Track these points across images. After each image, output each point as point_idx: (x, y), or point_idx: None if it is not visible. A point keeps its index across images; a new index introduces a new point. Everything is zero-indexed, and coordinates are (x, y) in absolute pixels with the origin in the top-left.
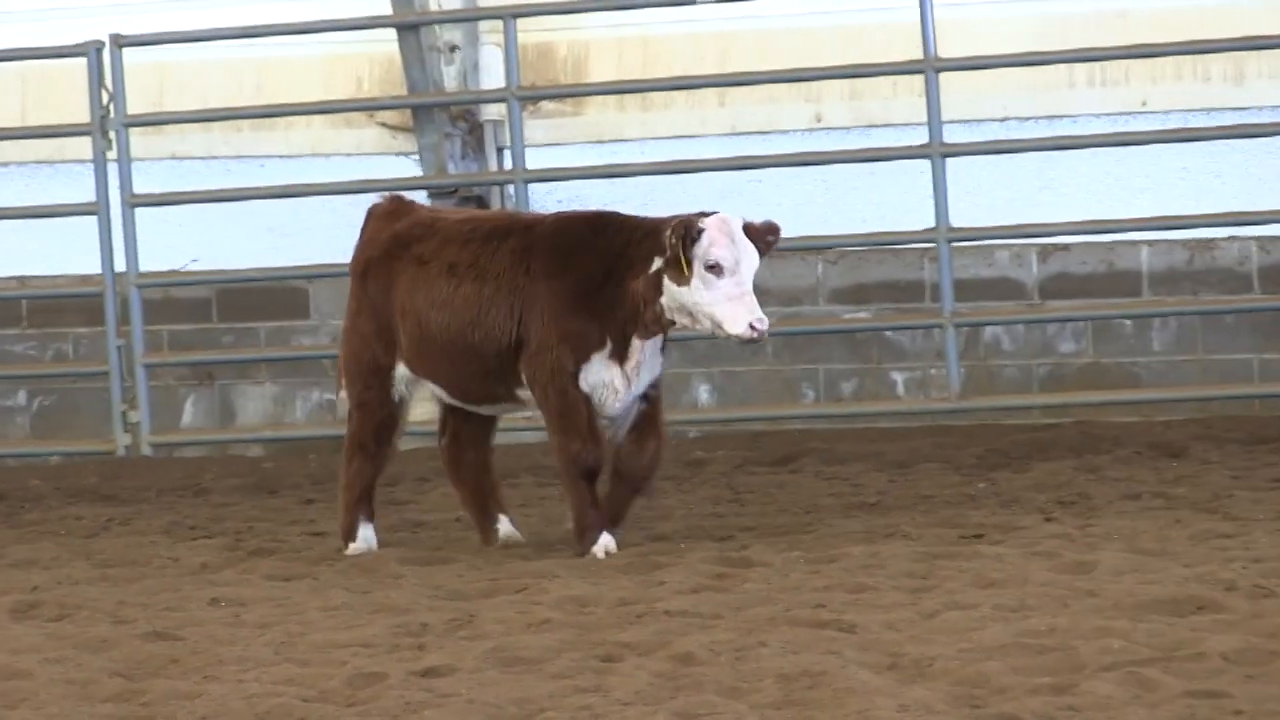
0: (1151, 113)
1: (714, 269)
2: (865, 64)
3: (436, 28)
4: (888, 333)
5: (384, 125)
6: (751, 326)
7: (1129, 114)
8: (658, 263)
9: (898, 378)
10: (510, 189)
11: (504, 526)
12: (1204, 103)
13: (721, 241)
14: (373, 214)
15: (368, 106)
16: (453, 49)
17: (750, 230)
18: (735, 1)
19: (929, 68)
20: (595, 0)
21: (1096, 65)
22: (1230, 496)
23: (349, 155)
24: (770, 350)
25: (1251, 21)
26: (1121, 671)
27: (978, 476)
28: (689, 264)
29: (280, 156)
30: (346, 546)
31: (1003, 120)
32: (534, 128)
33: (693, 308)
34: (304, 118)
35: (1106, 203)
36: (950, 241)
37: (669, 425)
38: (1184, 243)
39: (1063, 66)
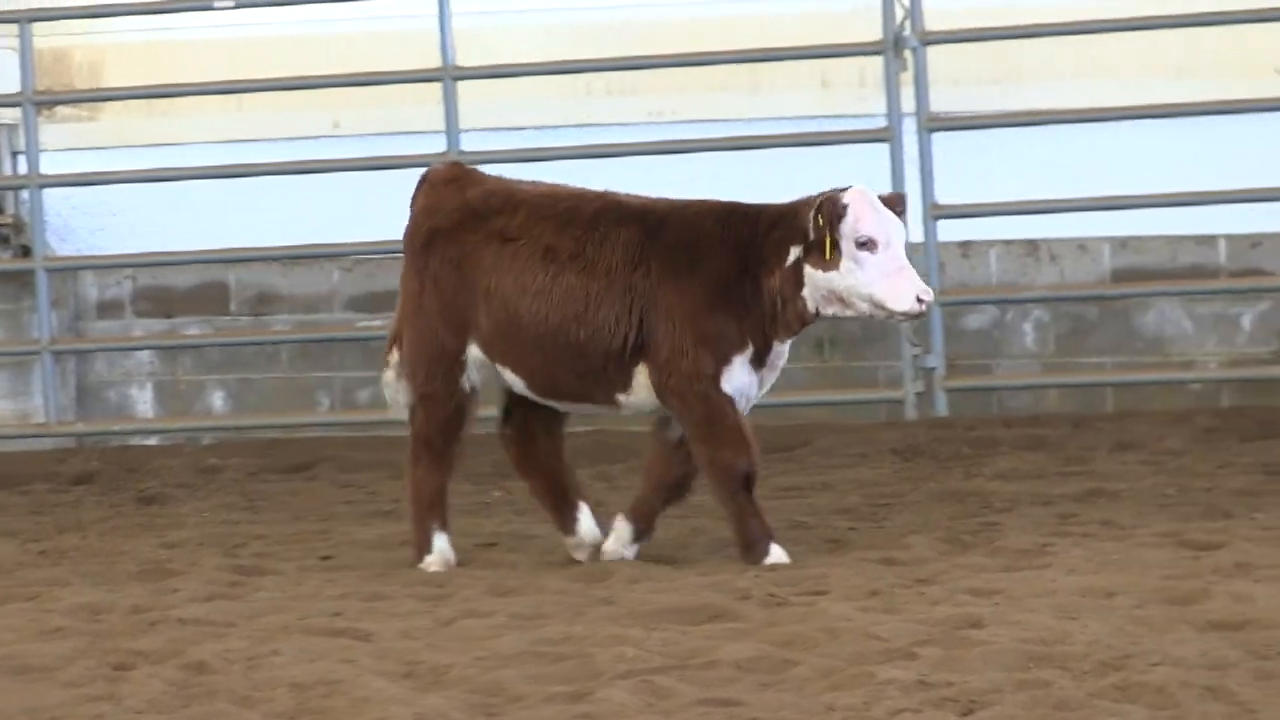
0: (676, 122)
1: (867, 245)
2: (381, 72)
3: None
4: None
5: None
6: (918, 299)
7: (648, 124)
8: (794, 253)
9: None
10: (25, 194)
11: (584, 517)
12: (721, 113)
13: (868, 215)
14: (430, 181)
15: None
16: None
17: (884, 202)
18: (252, 8)
19: (446, 76)
20: (112, 5)
21: (614, 75)
22: None
23: None
24: (285, 358)
25: (772, 32)
26: (636, 679)
27: (492, 485)
28: (835, 245)
29: None
30: (420, 560)
31: (521, 130)
32: (50, 132)
33: (846, 292)
34: None
35: None
36: None
37: (182, 433)
38: None
39: (582, 76)
